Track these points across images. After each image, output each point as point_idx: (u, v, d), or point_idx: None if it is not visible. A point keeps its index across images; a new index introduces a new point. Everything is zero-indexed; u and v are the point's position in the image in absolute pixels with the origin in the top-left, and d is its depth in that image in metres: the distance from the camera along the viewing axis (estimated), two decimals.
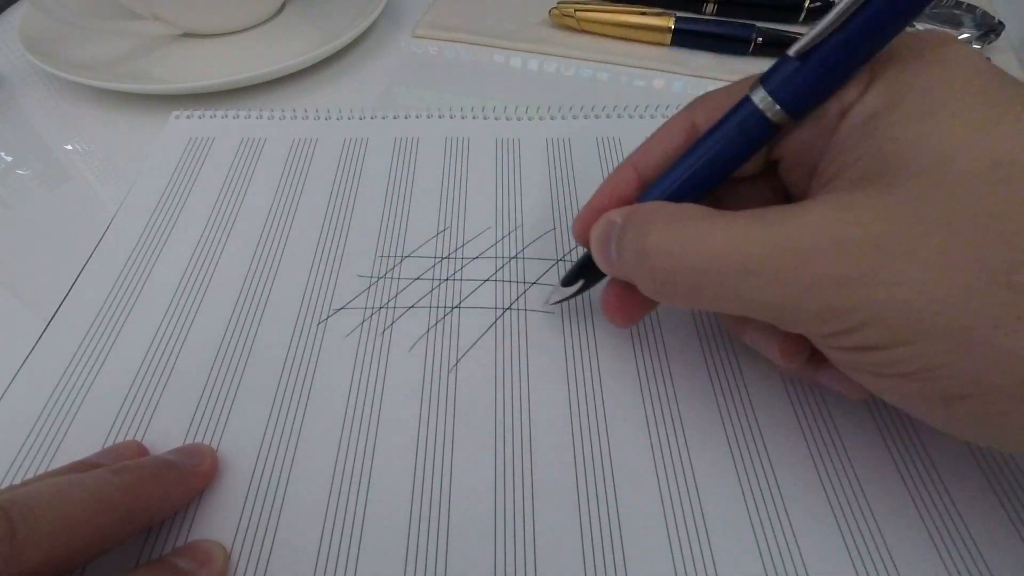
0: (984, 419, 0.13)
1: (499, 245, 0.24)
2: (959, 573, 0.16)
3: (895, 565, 0.17)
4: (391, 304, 0.22)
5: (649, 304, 0.19)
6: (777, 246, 0.13)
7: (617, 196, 0.18)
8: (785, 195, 0.18)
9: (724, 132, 0.16)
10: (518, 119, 0.30)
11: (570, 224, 0.25)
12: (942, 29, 0.16)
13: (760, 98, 0.15)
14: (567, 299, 0.21)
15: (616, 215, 0.17)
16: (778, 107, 0.15)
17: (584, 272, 0.20)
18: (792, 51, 0.15)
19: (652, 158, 0.18)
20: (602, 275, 0.20)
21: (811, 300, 0.13)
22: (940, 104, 0.13)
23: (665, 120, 0.19)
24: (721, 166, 0.17)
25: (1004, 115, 0.13)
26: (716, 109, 0.17)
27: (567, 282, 0.21)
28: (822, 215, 0.13)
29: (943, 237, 0.12)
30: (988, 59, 0.14)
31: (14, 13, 0.39)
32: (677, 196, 0.17)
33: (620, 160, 0.28)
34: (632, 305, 0.19)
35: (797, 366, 0.17)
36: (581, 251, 0.23)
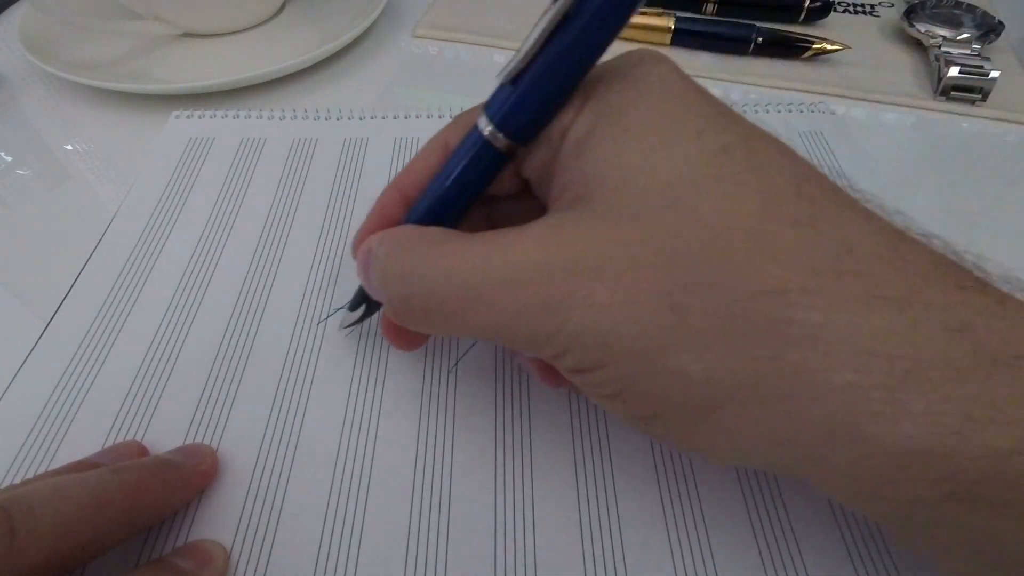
0: (680, 436, 0.14)
1: None
2: None
3: (895, 565, 0.17)
4: None
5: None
6: (493, 273, 0.14)
7: (385, 218, 0.18)
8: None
9: (459, 160, 0.16)
10: None
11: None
12: (651, 48, 0.15)
13: (484, 125, 0.15)
14: (356, 323, 0.20)
15: (373, 240, 0.17)
16: (501, 135, 0.15)
17: (366, 296, 0.19)
18: (501, 76, 0.15)
19: (413, 178, 0.18)
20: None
21: (521, 326, 0.13)
22: (632, 124, 0.14)
23: None
24: (462, 192, 0.16)
25: (682, 135, 0.13)
26: (464, 129, 0.17)
27: (352, 307, 0.20)
28: (533, 238, 0.14)
29: (623, 259, 0.13)
30: (686, 76, 0.15)
31: (14, 13, 0.39)
32: (429, 220, 0.17)
33: None
34: (406, 330, 0.18)
35: (559, 385, 0.17)
36: None
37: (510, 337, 0.14)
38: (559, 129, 0.15)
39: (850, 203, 0.13)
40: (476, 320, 0.14)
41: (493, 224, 0.19)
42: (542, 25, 0.14)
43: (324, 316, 0.22)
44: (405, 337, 0.19)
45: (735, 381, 0.12)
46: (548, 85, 0.15)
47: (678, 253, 0.12)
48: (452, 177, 0.16)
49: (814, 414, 0.12)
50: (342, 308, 0.21)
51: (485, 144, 0.15)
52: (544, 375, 0.17)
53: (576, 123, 0.15)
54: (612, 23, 0.14)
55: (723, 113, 0.14)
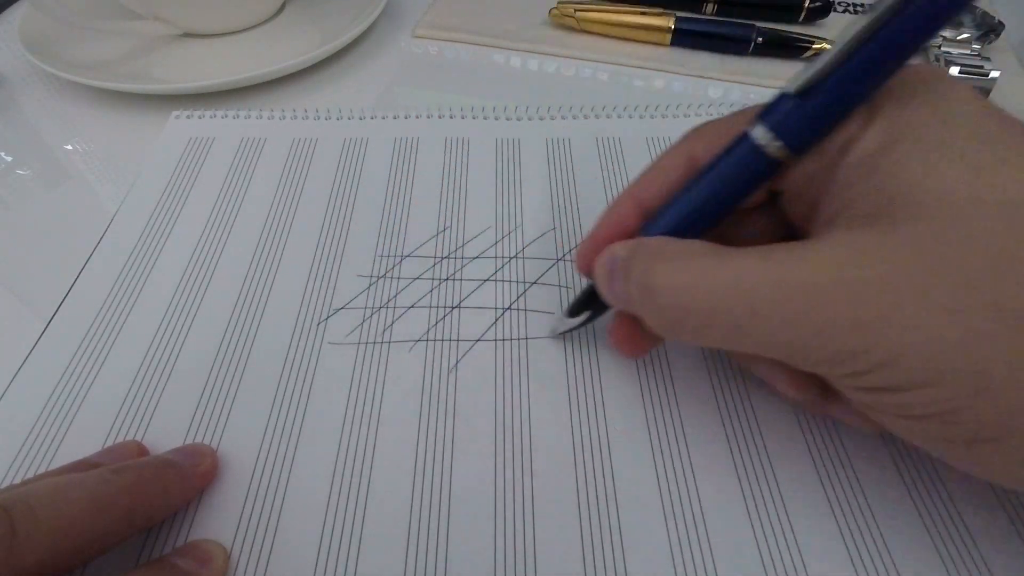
0: (1010, 462, 0.13)
1: (499, 245, 0.24)
2: (959, 573, 0.16)
3: (895, 565, 0.17)
4: (391, 304, 0.22)
5: (658, 337, 0.19)
6: (785, 286, 0.13)
7: (618, 228, 0.18)
8: (787, 226, 0.18)
9: (725, 168, 0.16)
10: (518, 119, 0.30)
11: (570, 224, 0.25)
12: (934, 65, 0.15)
13: (760, 134, 0.15)
14: (572, 330, 0.21)
15: (620, 249, 0.17)
16: (779, 143, 0.15)
17: (590, 303, 0.19)
18: (792, 88, 0.15)
19: (652, 190, 0.18)
20: (607, 306, 0.19)
21: (824, 342, 0.13)
22: (942, 143, 0.13)
23: (665, 149, 0.18)
24: (722, 202, 0.16)
25: (1007, 156, 0.13)
26: (715, 140, 0.17)
27: (573, 313, 0.20)
28: (829, 255, 0.13)
29: (954, 279, 0.12)
30: (980, 95, 0.14)
31: (14, 13, 0.39)
32: (679, 231, 0.17)
33: (620, 160, 0.28)
34: (640, 337, 0.19)
35: (809, 399, 0.17)
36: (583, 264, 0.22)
37: (803, 352, 0.14)
38: (840, 142, 0.15)
39: None
40: (762, 335, 0.14)
41: (725, 240, 0.17)
42: (854, 31, 0.13)
43: (324, 316, 0.22)
44: (637, 345, 0.19)
45: None
46: (843, 97, 0.14)
47: (1019, 272, 0.12)
48: (714, 185, 0.16)
49: None
50: (553, 314, 0.21)
51: (759, 152, 0.15)
52: (798, 387, 0.17)
53: (864, 138, 0.14)
54: (916, 41, 0.13)
55: None
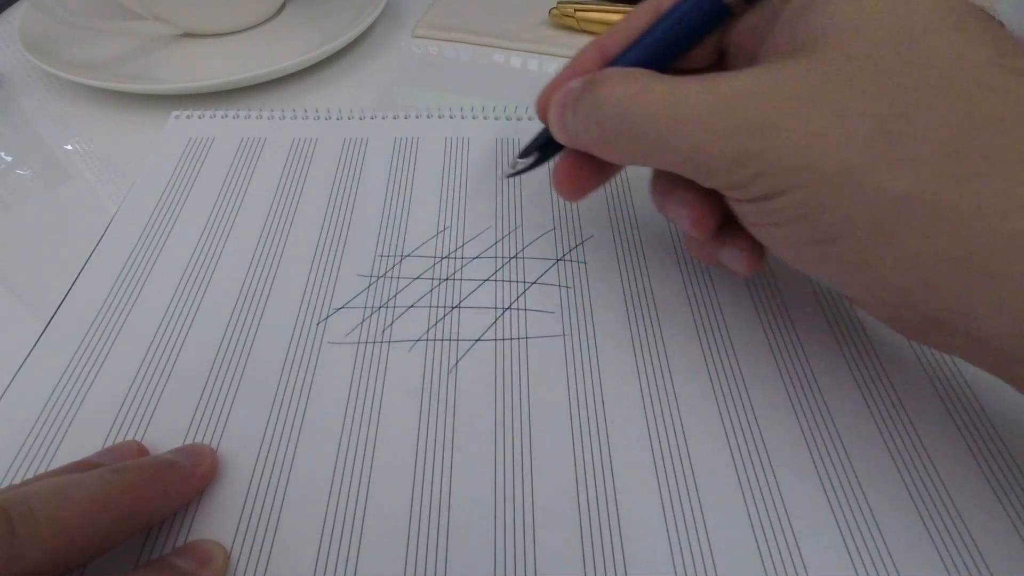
0: (851, 260, 0.15)
1: (499, 245, 0.24)
2: (959, 573, 0.16)
3: (895, 565, 0.17)
4: (391, 304, 0.22)
5: (598, 176, 0.21)
6: (707, 98, 0.15)
7: (581, 72, 0.19)
8: None
9: (682, 11, 0.18)
10: (518, 119, 0.30)
11: (570, 224, 0.25)
12: None
13: None
14: (522, 171, 0.23)
15: (576, 82, 0.18)
16: None
17: (540, 146, 0.22)
18: None
19: (618, 38, 0.20)
20: (557, 149, 0.21)
21: (728, 146, 0.15)
22: None
23: None
24: (677, 43, 0.18)
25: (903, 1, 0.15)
26: None
27: (524, 154, 0.22)
28: (751, 76, 0.15)
29: (844, 91, 0.14)
30: None
31: (14, 13, 0.39)
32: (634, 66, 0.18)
33: None
34: (582, 176, 0.20)
35: (705, 237, 0.19)
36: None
37: (708, 159, 0.15)
38: None
39: None
40: (682, 142, 0.16)
41: None
42: None
43: (324, 316, 0.22)
44: (578, 184, 0.21)
45: (932, 197, 0.13)
46: None
47: (902, 87, 0.14)
48: (668, 29, 0.18)
49: (1005, 228, 0.13)
50: (522, 159, 0.23)
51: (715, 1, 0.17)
52: (698, 224, 0.18)
53: None
54: None
55: None
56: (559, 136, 0.20)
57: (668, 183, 0.19)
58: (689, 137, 0.15)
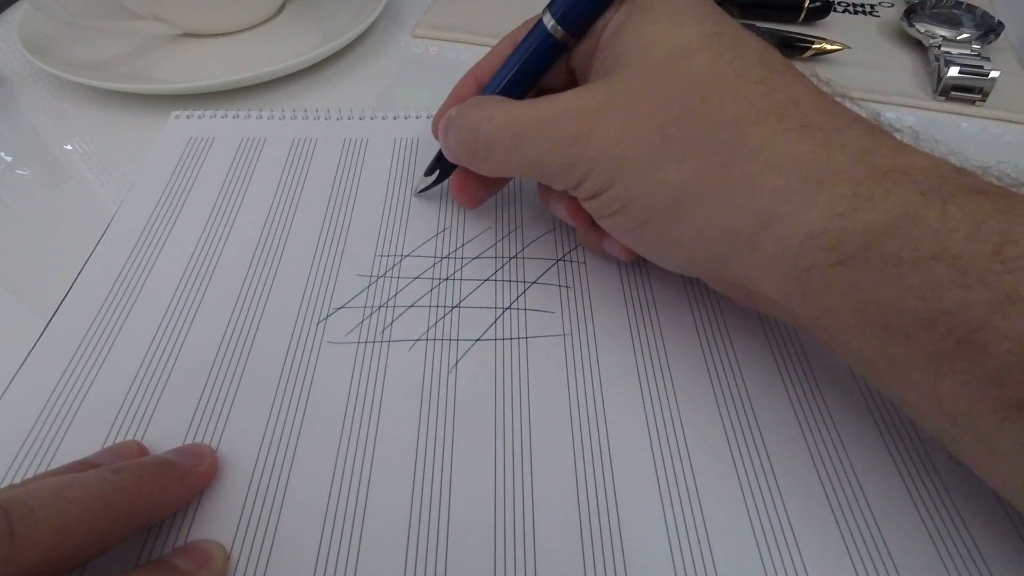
0: (661, 241, 0.18)
1: (499, 245, 0.24)
2: (959, 573, 0.16)
3: (895, 565, 0.17)
4: (391, 303, 0.22)
5: (485, 186, 0.24)
6: (537, 117, 0.19)
7: (461, 98, 0.23)
8: None
9: (524, 49, 0.21)
10: None
11: (570, 225, 0.25)
12: None
13: (547, 20, 0.20)
14: (428, 188, 0.25)
15: (453, 109, 0.22)
16: (560, 28, 0.20)
17: (440, 164, 0.24)
18: None
19: (486, 67, 0.23)
20: (453, 167, 0.24)
21: (556, 155, 0.18)
22: (653, 14, 0.18)
23: None
24: (525, 76, 0.22)
25: (689, 21, 0.18)
26: (524, 31, 0.22)
27: (428, 172, 0.25)
28: (571, 96, 0.19)
29: (632, 103, 0.17)
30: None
31: (14, 13, 0.39)
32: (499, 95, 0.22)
33: None
34: (471, 186, 0.24)
35: (584, 227, 0.22)
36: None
37: (546, 167, 0.19)
38: (601, 24, 0.20)
39: (802, 76, 0.18)
40: (522, 155, 0.19)
41: None
42: None
43: (324, 315, 0.22)
44: (469, 193, 0.24)
45: (701, 185, 0.16)
46: None
47: (673, 98, 0.17)
48: (518, 62, 0.21)
49: (753, 206, 0.16)
50: (426, 176, 0.25)
51: (547, 35, 0.21)
52: (573, 213, 0.21)
53: (614, 18, 0.19)
54: None
55: (721, 13, 0.19)
56: (446, 155, 0.23)
57: (546, 187, 0.22)
58: (526, 151, 0.19)
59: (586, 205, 0.19)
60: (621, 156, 0.17)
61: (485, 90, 0.23)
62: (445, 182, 0.25)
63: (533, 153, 0.19)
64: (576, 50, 0.21)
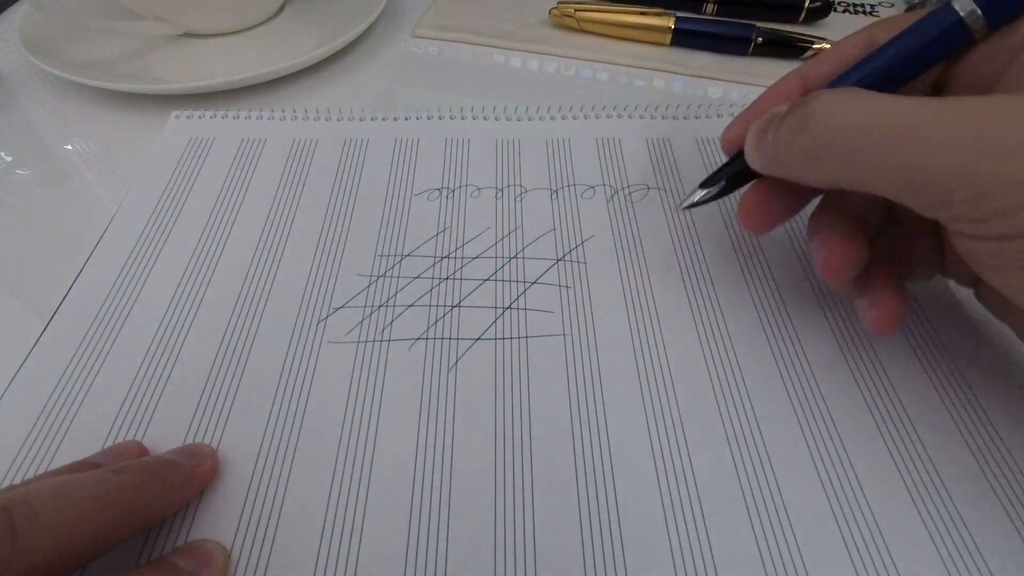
0: None
1: (499, 245, 0.24)
2: (959, 573, 0.16)
3: (895, 565, 0.17)
4: (391, 303, 0.22)
5: (788, 207, 0.19)
6: (936, 112, 0.13)
7: (779, 101, 0.18)
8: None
9: (916, 34, 0.16)
10: (518, 120, 0.30)
11: (570, 225, 0.25)
12: None
13: (961, 4, 0.16)
14: (703, 202, 0.21)
15: (781, 106, 0.17)
16: (979, 12, 0.15)
17: (726, 175, 0.20)
18: None
19: (822, 68, 0.18)
20: (744, 180, 0.20)
21: (957, 165, 0.13)
22: None
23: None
24: (904, 69, 0.16)
25: None
26: (898, 27, 0.17)
27: (707, 183, 0.20)
28: (987, 99, 0.13)
29: None
30: None
31: (14, 13, 0.39)
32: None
33: (620, 160, 0.28)
34: (771, 206, 0.19)
35: (837, 284, 0.18)
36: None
37: (935, 179, 0.13)
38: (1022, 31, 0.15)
39: None
40: (908, 157, 0.14)
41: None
42: None
43: (324, 315, 0.22)
44: (767, 217, 0.19)
45: None
46: None
47: None
48: (901, 51, 0.16)
49: None
50: (699, 191, 0.21)
51: (957, 23, 0.16)
52: (831, 266, 0.17)
53: None
54: None
55: None
56: (755, 161, 0.18)
57: (828, 217, 0.18)
58: (912, 150, 0.13)
59: (973, 245, 0.14)
60: None
61: (834, 84, 0.18)
62: (723, 198, 0.21)
63: (923, 157, 0.13)
64: (974, 50, 0.16)
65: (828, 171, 0.16)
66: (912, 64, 0.16)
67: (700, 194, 0.21)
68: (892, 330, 0.17)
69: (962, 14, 0.16)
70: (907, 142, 0.14)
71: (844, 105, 0.15)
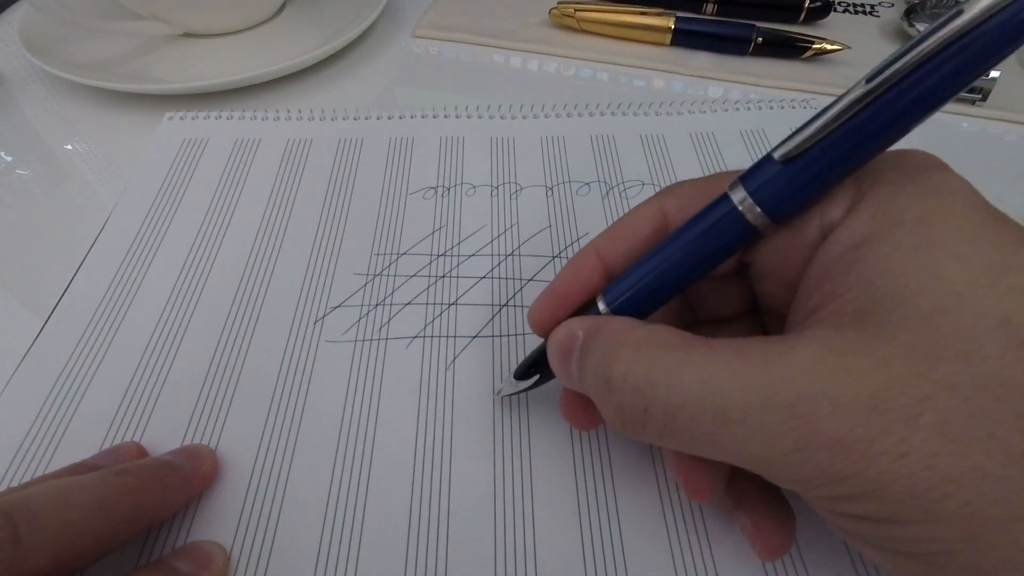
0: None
1: (495, 243, 0.24)
2: None
3: None
4: (387, 301, 0.22)
5: None
6: (762, 393, 0.12)
7: (580, 285, 0.17)
8: (752, 301, 0.17)
9: (698, 231, 0.15)
10: (512, 118, 0.30)
11: (566, 222, 0.25)
12: (923, 151, 0.14)
13: (740, 198, 0.14)
14: (519, 392, 0.19)
15: (578, 327, 0.15)
16: (759, 210, 0.14)
17: (541, 367, 0.18)
18: (778, 154, 0.13)
19: (618, 246, 0.16)
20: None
21: (802, 461, 0.12)
22: (940, 241, 0.12)
23: (635, 206, 0.17)
24: (693, 267, 0.15)
25: (1009, 264, 0.12)
26: (689, 202, 0.16)
27: (521, 375, 0.18)
28: (812, 360, 0.12)
29: (949, 403, 0.11)
30: (979, 193, 0.13)
31: (14, 13, 0.39)
32: (644, 297, 0.15)
33: (615, 156, 0.28)
34: (595, 413, 0.17)
35: (704, 501, 0.16)
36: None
37: (778, 468, 0.12)
38: (823, 223, 0.14)
39: None
40: (732, 443, 0.12)
41: (689, 308, 0.18)
42: (848, 99, 0.12)
43: (321, 314, 0.22)
44: (590, 419, 0.17)
45: None
46: (830, 167, 0.13)
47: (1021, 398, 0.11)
48: (686, 248, 0.15)
49: None
50: (514, 380, 0.19)
51: (736, 216, 0.14)
52: (692, 486, 0.15)
53: (850, 224, 0.13)
54: (923, 108, 0.12)
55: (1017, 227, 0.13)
56: (566, 383, 0.16)
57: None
58: (742, 441, 0.12)
59: (836, 519, 0.13)
60: (941, 492, 0.11)
61: (619, 283, 0.16)
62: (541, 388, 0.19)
63: (754, 448, 0.12)
64: (762, 243, 0.15)
65: (645, 439, 0.14)
66: (700, 262, 0.15)
67: (514, 386, 0.19)
68: (782, 550, 0.15)
69: (740, 208, 0.14)
70: (733, 432, 0.12)
71: (649, 379, 0.13)
